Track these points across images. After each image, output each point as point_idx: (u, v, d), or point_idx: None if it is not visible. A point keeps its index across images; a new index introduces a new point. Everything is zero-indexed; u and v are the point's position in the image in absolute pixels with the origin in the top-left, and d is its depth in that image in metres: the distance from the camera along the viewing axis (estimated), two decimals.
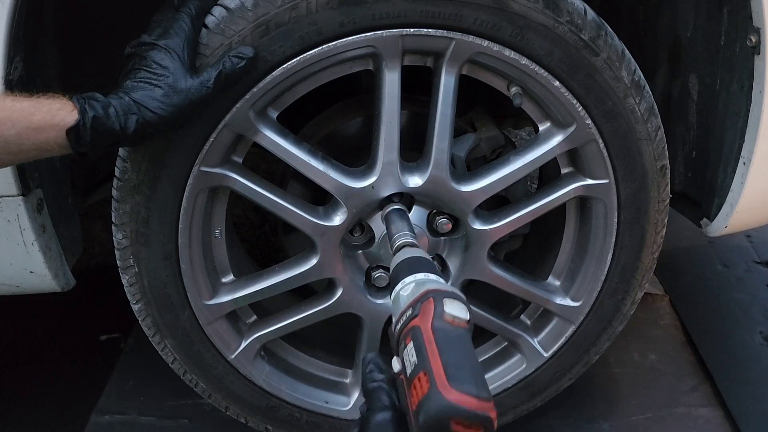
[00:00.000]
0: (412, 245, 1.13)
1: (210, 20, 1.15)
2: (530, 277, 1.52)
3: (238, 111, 1.20)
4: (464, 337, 0.84)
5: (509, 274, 1.46)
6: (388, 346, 1.50)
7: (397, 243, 1.16)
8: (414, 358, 0.81)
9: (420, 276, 0.97)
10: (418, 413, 0.77)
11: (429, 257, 1.09)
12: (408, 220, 1.28)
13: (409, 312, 0.88)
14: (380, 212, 1.34)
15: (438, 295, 0.87)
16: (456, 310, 0.86)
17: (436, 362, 0.79)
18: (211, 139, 1.22)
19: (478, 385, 0.76)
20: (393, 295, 0.98)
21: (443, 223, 1.38)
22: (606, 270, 1.44)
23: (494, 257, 1.46)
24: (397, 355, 0.88)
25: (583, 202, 1.44)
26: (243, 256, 1.64)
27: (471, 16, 1.18)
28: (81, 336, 2.02)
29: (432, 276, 0.95)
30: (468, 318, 0.86)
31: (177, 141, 1.20)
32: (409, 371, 0.81)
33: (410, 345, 0.83)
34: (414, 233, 1.21)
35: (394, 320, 0.94)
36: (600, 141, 1.31)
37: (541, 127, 1.35)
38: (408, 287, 0.96)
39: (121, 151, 1.23)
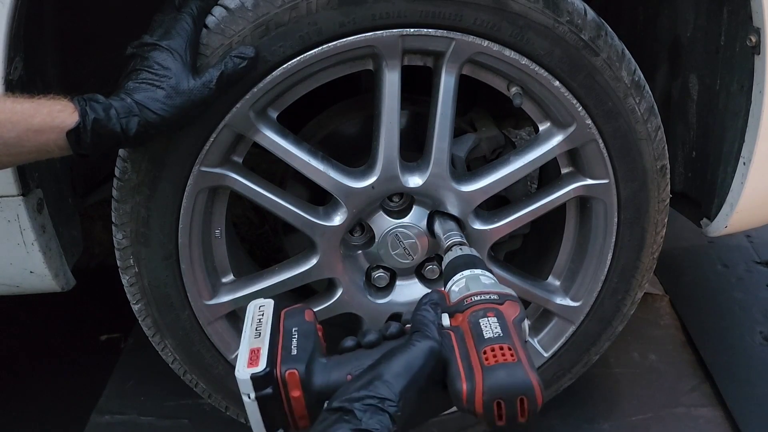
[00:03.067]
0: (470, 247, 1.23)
1: (210, 20, 1.15)
2: (530, 277, 1.52)
3: (238, 111, 1.20)
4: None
5: (509, 274, 1.46)
6: None
7: (457, 240, 1.25)
8: (498, 330, 0.89)
9: (496, 280, 1.06)
10: (496, 370, 0.83)
11: None
12: (458, 226, 1.36)
13: (493, 296, 0.96)
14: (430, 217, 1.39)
15: (521, 308, 0.96)
16: (526, 328, 0.95)
17: (520, 347, 0.87)
18: (211, 140, 1.22)
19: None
20: (469, 273, 1.06)
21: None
22: (606, 270, 1.44)
23: (494, 257, 1.46)
24: (450, 314, 0.95)
25: (583, 202, 1.44)
26: (243, 256, 1.64)
27: (471, 16, 1.18)
28: (81, 336, 2.02)
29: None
30: (527, 339, 0.95)
31: (177, 141, 1.20)
32: (487, 335, 0.88)
33: (493, 319, 0.91)
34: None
35: (459, 288, 1.03)
36: (600, 141, 1.31)
37: (541, 127, 1.35)
38: (489, 279, 1.05)
39: (121, 151, 1.23)
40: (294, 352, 0.94)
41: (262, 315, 1.00)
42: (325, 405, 0.87)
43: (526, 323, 0.94)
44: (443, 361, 0.89)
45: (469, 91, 1.44)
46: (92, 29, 1.46)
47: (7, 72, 1.12)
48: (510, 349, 0.85)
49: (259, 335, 0.96)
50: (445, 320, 0.94)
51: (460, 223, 1.36)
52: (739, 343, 1.95)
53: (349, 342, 0.96)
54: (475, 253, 1.16)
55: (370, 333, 0.95)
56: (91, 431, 1.72)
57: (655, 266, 1.47)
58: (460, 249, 1.18)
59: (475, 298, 0.96)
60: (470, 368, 0.85)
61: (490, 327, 0.89)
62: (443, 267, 1.14)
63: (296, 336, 0.97)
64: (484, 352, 0.86)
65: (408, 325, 0.95)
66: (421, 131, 1.34)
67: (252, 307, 1.03)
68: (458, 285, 1.04)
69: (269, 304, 1.02)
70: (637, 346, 1.94)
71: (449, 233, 1.28)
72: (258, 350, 0.93)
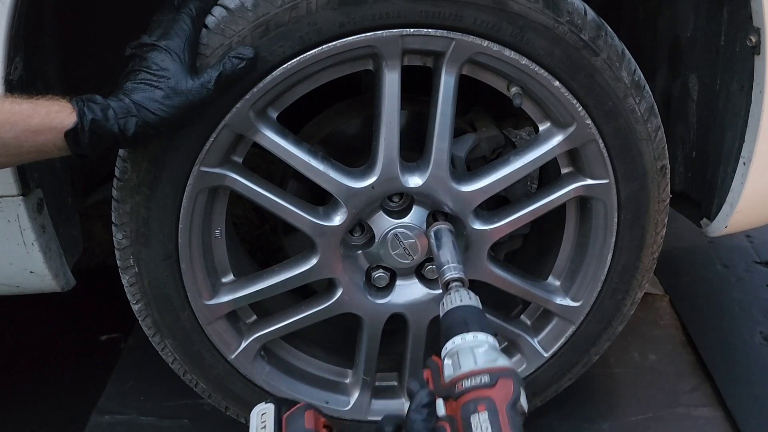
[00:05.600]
0: (464, 283, 1.17)
1: (210, 20, 1.15)
2: (530, 277, 1.52)
3: (238, 111, 1.20)
4: (522, 421, 0.90)
5: (509, 274, 1.46)
6: (388, 345, 1.50)
7: (454, 276, 1.19)
8: (488, 428, 0.86)
9: (492, 341, 1.01)
10: None
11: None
12: (455, 245, 1.30)
13: (485, 378, 0.92)
14: (428, 229, 1.35)
15: (517, 381, 0.92)
16: (523, 400, 0.91)
17: None
18: (211, 140, 1.22)
19: None
20: (460, 341, 1.00)
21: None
22: (606, 270, 1.44)
23: (494, 257, 1.46)
24: (444, 398, 0.92)
25: (583, 202, 1.44)
26: (243, 256, 1.64)
27: (471, 16, 1.18)
28: (81, 336, 2.02)
29: (504, 355, 0.99)
30: (526, 410, 0.91)
31: (177, 141, 1.20)
32: None
33: (484, 414, 0.87)
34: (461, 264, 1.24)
35: (452, 362, 0.97)
36: (600, 141, 1.31)
37: (541, 127, 1.35)
38: (482, 346, 0.99)
39: (121, 151, 1.23)
40: None
41: (264, 425, 0.98)
42: None
43: (524, 398, 0.91)
44: None
45: (469, 91, 1.44)
46: (92, 29, 1.46)
47: (7, 72, 1.13)
48: None
49: None
50: (440, 409, 0.92)
51: (460, 229, 1.35)
52: (739, 343, 1.95)
53: None
54: (470, 301, 1.10)
55: None
56: (91, 431, 1.72)
57: (655, 266, 1.47)
58: (456, 296, 1.11)
59: (466, 383, 0.93)
60: None
61: (480, 425, 0.87)
62: (440, 316, 1.10)
63: None
64: None
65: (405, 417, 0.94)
66: (421, 131, 1.34)
67: (254, 417, 1.01)
68: (451, 357, 0.99)
69: (270, 411, 1.00)
70: (637, 346, 1.94)
71: (446, 266, 1.22)
72: None
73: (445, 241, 1.30)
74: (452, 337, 1.01)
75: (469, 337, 1.01)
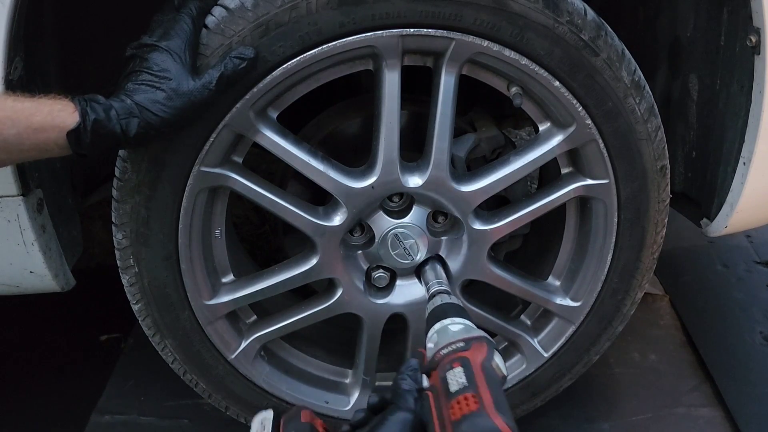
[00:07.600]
0: (450, 293, 1.24)
1: (210, 20, 1.15)
2: (530, 277, 1.52)
3: (238, 111, 1.20)
4: (502, 384, 0.94)
5: (509, 274, 1.46)
6: (388, 345, 1.50)
7: (440, 289, 1.25)
8: (462, 380, 0.90)
9: (469, 323, 1.07)
10: (460, 424, 0.85)
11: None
12: (444, 271, 1.38)
13: (460, 345, 0.98)
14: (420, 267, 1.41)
15: (491, 345, 0.98)
16: (500, 363, 0.96)
17: (484, 391, 0.88)
18: (211, 140, 1.22)
19: (514, 423, 0.85)
20: (439, 325, 1.07)
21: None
22: (606, 270, 1.44)
23: (494, 257, 1.46)
24: (427, 374, 0.97)
25: (583, 202, 1.44)
26: (243, 256, 1.64)
27: (471, 16, 1.18)
28: (81, 336, 2.02)
29: (481, 331, 1.05)
30: (505, 374, 0.97)
31: (177, 141, 1.20)
32: (453, 389, 0.89)
33: (458, 369, 0.92)
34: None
35: (433, 344, 1.04)
36: (600, 141, 1.31)
37: (541, 128, 1.35)
38: (458, 325, 1.06)
39: (121, 152, 1.23)
40: None
41: (264, 428, 1.01)
42: None
43: (499, 358, 0.95)
44: (423, 425, 0.90)
45: (469, 91, 1.44)
46: (92, 29, 1.46)
47: (7, 72, 1.13)
48: (474, 396, 0.86)
49: None
50: (425, 381, 0.96)
51: (446, 267, 1.39)
52: (739, 343, 1.95)
53: (345, 427, 0.97)
54: (448, 300, 1.17)
55: (358, 411, 0.97)
56: (91, 431, 1.72)
57: (655, 266, 1.47)
58: (439, 299, 1.18)
59: (443, 351, 0.98)
60: (443, 426, 0.87)
61: (455, 379, 0.90)
62: (426, 319, 1.15)
63: None
64: (451, 407, 0.87)
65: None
66: (421, 131, 1.34)
67: (255, 424, 1.03)
68: (432, 341, 1.05)
69: (269, 415, 1.03)
70: (637, 346, 1.94)
71: (431, 282, 1.30)
72: None
73: (435, 265, 1.39)
74: (431, 326, 1.08)
75: (447, 321, 1.07)
